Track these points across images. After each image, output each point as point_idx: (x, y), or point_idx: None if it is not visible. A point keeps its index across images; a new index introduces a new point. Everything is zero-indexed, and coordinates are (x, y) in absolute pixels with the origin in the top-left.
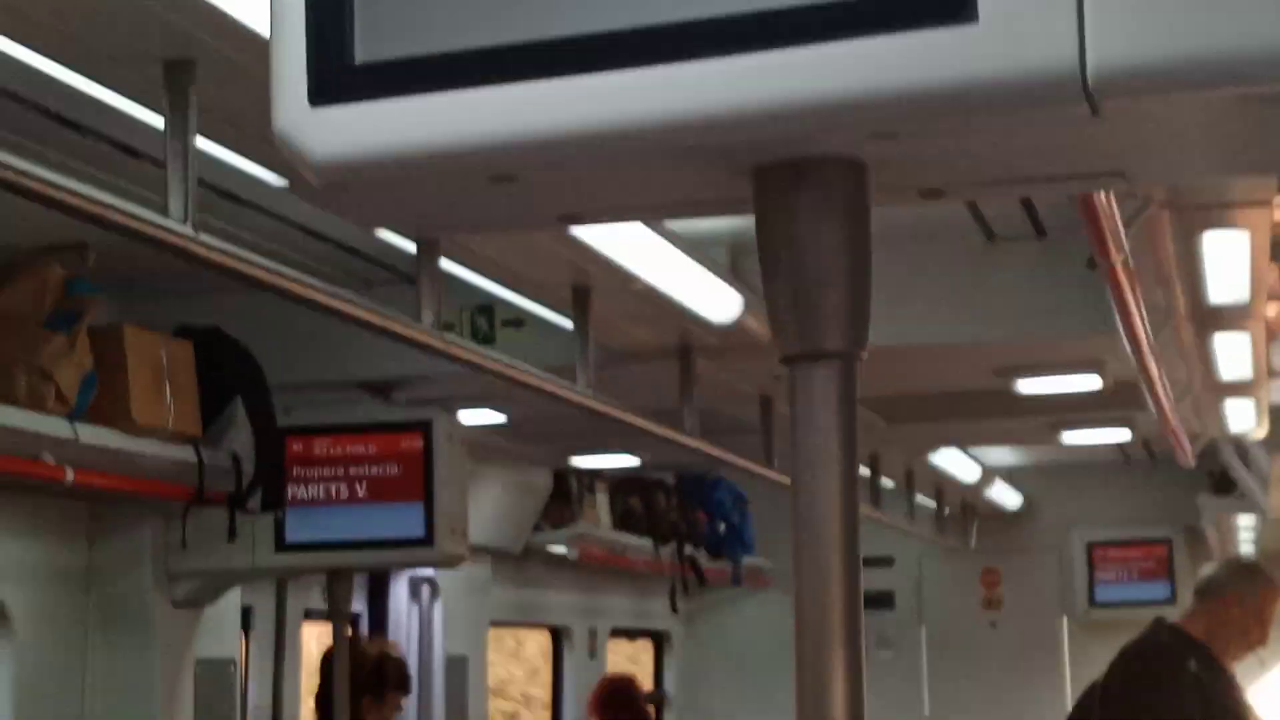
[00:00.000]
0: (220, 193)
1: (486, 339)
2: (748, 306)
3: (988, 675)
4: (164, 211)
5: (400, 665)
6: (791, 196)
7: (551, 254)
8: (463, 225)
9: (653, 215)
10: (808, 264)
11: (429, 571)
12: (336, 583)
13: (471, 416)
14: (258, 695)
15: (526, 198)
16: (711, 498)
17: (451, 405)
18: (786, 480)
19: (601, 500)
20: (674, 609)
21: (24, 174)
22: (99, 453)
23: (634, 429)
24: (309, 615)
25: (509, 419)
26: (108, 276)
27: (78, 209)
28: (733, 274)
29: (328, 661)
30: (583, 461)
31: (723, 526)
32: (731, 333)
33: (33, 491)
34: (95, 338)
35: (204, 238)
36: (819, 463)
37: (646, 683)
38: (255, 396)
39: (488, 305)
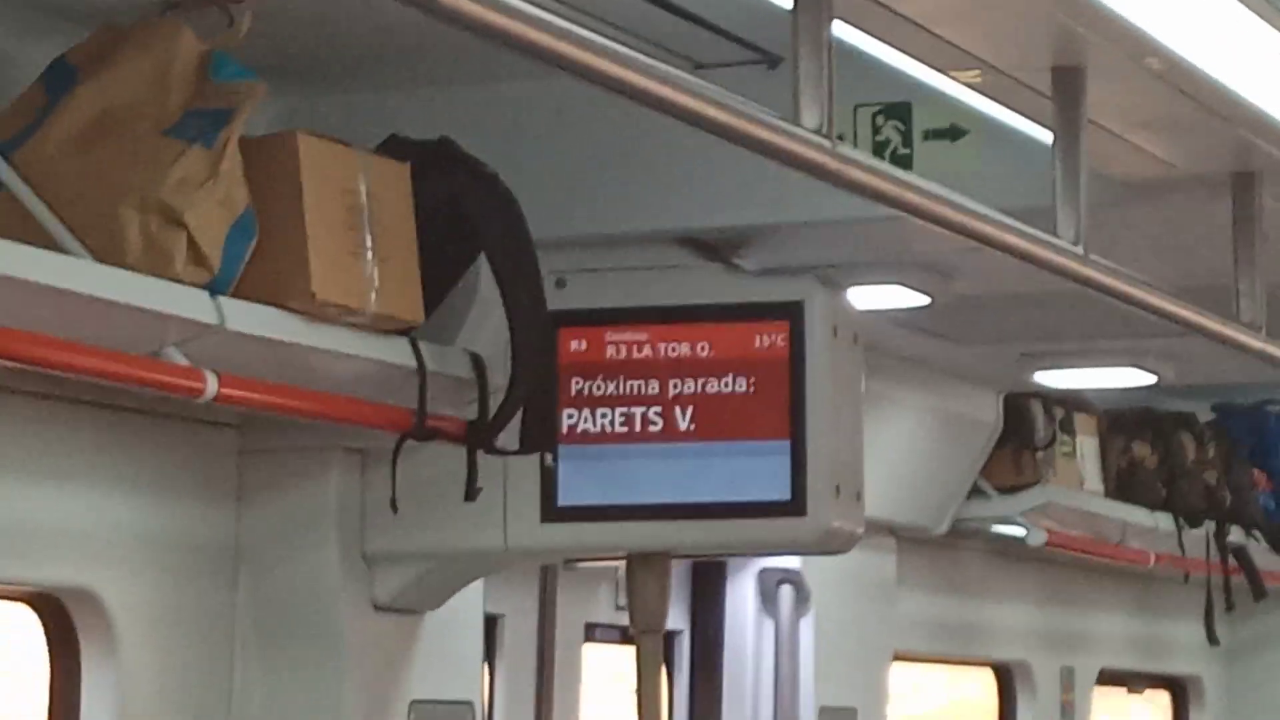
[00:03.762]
0: None
1: (900, 158)
2: None
3: None
4: None
5: None
6: None
7: (1019, 10)
8: None
9: None
10: None
11: (791, 563)
12: (641, 576)
13: (869, 296)
14: None
15: None
16: (1275, 444)
17: (836, 277)
18: None
19: (1087, 446)
20: (1211, 638)
21: None
22: (257, 348)
23: (1146, 318)
24: (593, 633)
25: (932, 298)
26: (269, 53)
27: None
28: None
29: None
30: (1057, 379)
31: None
32: None
33: (144, 411)
34: (252, 154)
35: None
36: None
37: None
38: (511, 257)
39: (903, 104)
